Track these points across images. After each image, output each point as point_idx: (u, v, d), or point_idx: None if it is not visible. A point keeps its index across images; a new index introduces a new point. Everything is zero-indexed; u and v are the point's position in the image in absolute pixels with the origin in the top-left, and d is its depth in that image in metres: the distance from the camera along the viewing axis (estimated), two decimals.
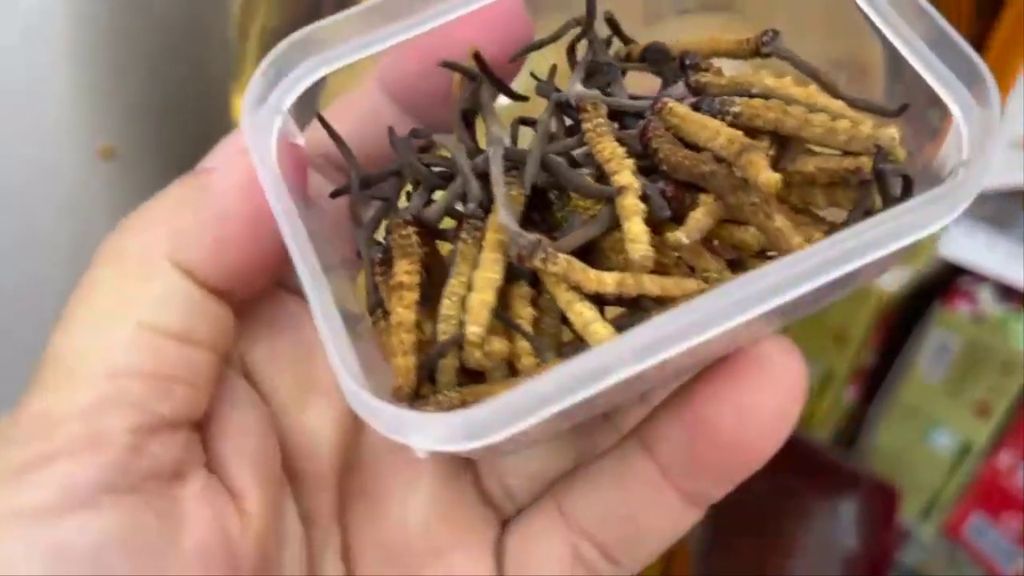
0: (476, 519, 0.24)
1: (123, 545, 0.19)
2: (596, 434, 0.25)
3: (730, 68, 0.25)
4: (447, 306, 0.21)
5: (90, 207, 0.41)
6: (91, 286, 0.22)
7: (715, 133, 0.21)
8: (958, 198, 0.19)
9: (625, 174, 0.21)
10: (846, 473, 0.71)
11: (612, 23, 0.26)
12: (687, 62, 0.24)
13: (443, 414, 0.18)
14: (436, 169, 0.24)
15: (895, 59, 0.22)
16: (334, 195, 0.24)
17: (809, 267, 0.18)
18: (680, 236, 0.21)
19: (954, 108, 0.21)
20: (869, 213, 0.21)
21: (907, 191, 0.22)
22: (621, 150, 0.21)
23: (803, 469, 0.71)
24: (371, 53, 0.22)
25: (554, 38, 0.25)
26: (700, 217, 0.21)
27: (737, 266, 0.22)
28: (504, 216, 0.21)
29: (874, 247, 0.19)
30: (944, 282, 0.71)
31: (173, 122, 0.43)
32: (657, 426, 0.22)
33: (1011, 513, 0.71)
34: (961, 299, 0.70)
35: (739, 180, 0.20)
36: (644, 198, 0.21)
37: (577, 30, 0.25)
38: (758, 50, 0.24)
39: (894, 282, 0.70)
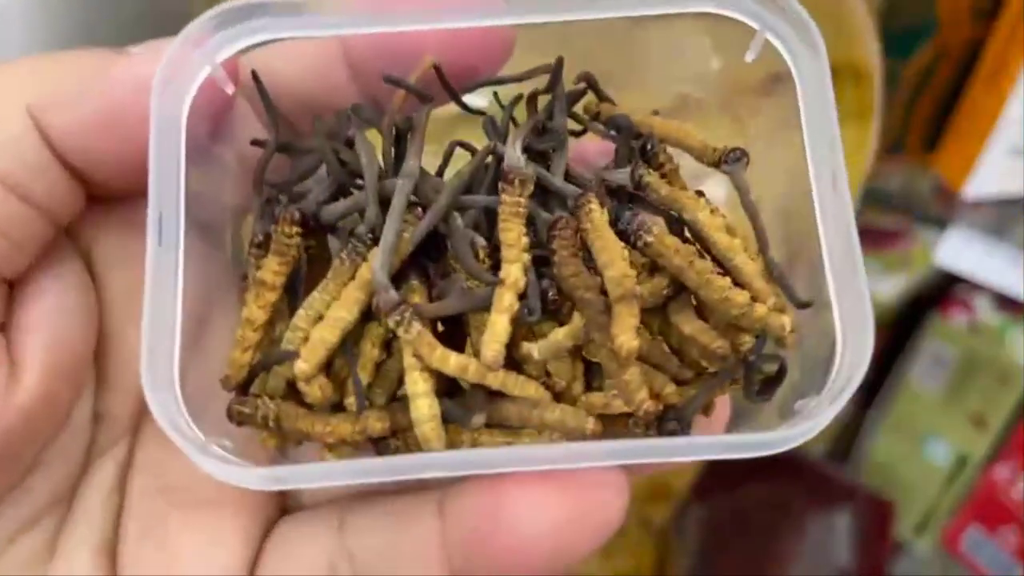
0: (260, 495, 0.24)
1: None
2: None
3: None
4: (300, 317, 0.22)
5: None
6: None
7: (610, 262, 0.21)
8: (780, 442, 0.20)
9: (515, 268, 0.21)
10: (841, 486, 0.70)
11: (590, 82, 0.25)
12: (647, 146, 0.24)
13: (216, 462, 0.20)
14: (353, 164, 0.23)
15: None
16: (254, 143, 0.24)
17: (590, 454, 0.20)
18: (532, 351, 0.21)
19: (839, 352, 0.21)
20: (734, 382, 0.22)
21: (779, 377, 0.22)
22: (524, 240, 0.21)
23: (797, 482, 0.70)
24: (331, 34, 0.22)
25: (519, 78, 0.24)
26: (560, 339, 0.21)
27: (594, 375, 0.22)
28: (377, 264, 0.21)
29: (667, 455, 0.20)
30: (940, 291, 0.71)
31: None
32: (457, 496, 0.21)
33: (1008, 526, 0.70)
34: (958, 308, 0.70)
35: (607, 321, 0.20)
36: (524, 295, 0.21)
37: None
38: (719, 164, 0.23)
39: (889, 291, 0.70)
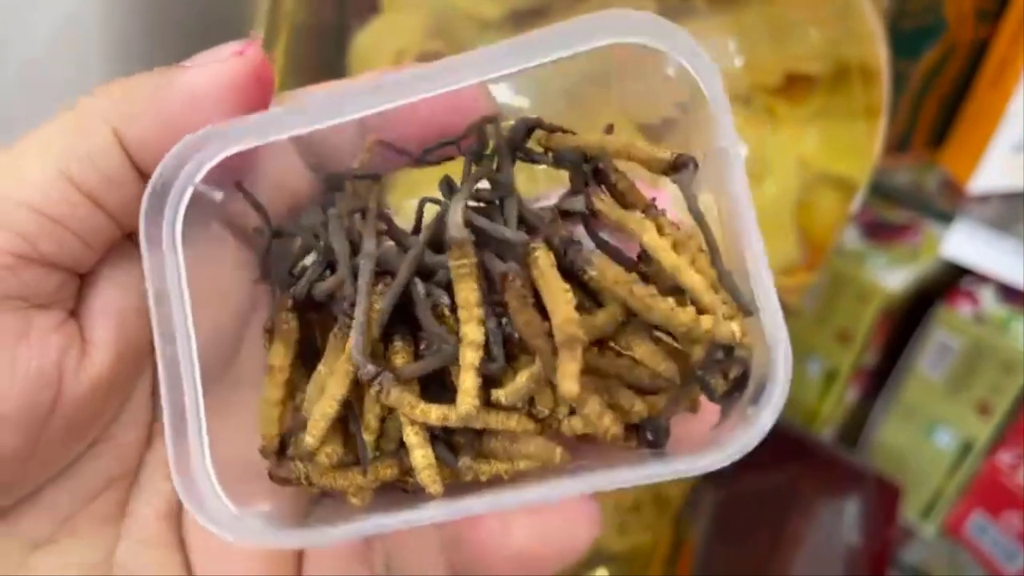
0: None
1: None
2: None
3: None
4: (311, 390, 0.24)
5: None
6: (41, 129, 0.24)
7: (555, 309, 0.22)
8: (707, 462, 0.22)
9: (470, 327, 0.23)
10: (850, 470, 0.72)
11: (533, 125, 0.26)
12: (599, 166, 0.25)
13: (233, 530, 0.23)
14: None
15: None
16: (254, 230, 0.26)
17: (543, 493, 0.22)
18: (500, 397, 0.23)
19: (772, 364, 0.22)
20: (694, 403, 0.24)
21: (743, 380, 0.23)
22: (476, 295, 0.23)
23: (807, 465, 0.72)
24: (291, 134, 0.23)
25: (465, 135, 0.25)
26: (524, 382, 0.23)
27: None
28: (354, 340, 0.23)
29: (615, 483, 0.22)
30: (947, 282, 0.72)
31: None
32: None
33: (1012, 511, 0.71)
34: (963, 299, 0.71)
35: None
36: (487, 346, 0.23)
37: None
38: (670, 171, 0.24)
39: (897, 282, 0.71)
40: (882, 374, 0.77)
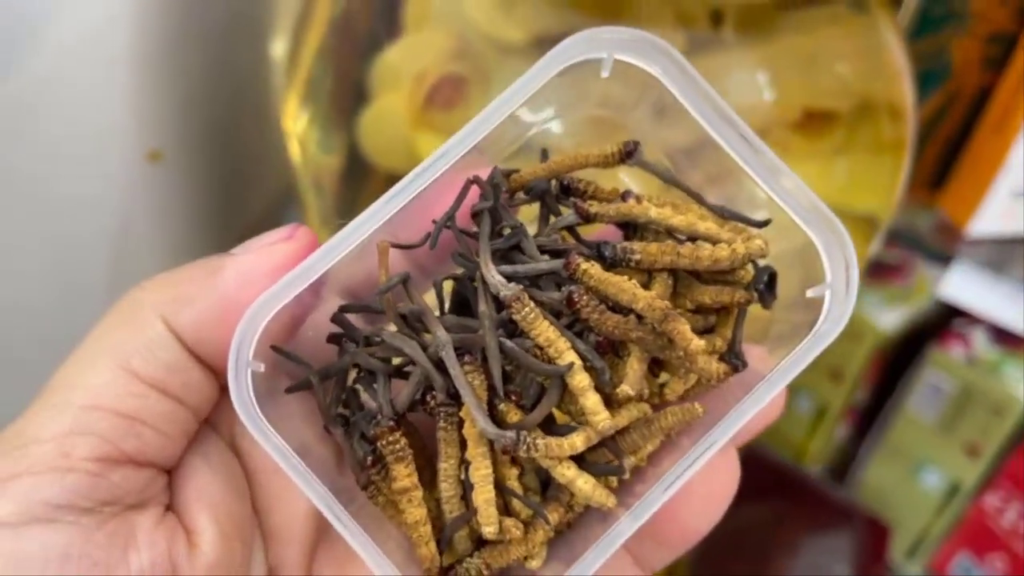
0: None
1: (75, 559, 0.22)
2: None
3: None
4: (446, 488, 0.25)
5: (134, 208, 0.42)
6: (96, 329, 0.25)
7: (633, 296, 0.24)
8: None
9: (567, 355, 0.24)
10: (840, 507, 0.72)
11: (506, 175, 0.27)
12: (565, 183, 0.27)
13: None
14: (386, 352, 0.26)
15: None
16: (289, 390, 0.26)
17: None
18: (627, 390, 0.24)
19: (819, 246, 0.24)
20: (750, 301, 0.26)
21: (773, 280, 0.26)
22: (554, 332, 0.24)
23: (797, 500, 0.72)
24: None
25: (455, 207, 0.26)
26: (636, 368, 0.25)
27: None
28: (481, 421, 0.24)
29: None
30: (939, 323, 0.73)
31: (222, 127, 0.44)
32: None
33: (997, 554, 0.72)
34: (955, 341, 0.72)
35: (664, 340, 0.24)
36: (587, 366, 0.24)
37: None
38: (623, 160, 0.26)
39: (890, 322, 0.72)
40: (872, 413, 0.77)
